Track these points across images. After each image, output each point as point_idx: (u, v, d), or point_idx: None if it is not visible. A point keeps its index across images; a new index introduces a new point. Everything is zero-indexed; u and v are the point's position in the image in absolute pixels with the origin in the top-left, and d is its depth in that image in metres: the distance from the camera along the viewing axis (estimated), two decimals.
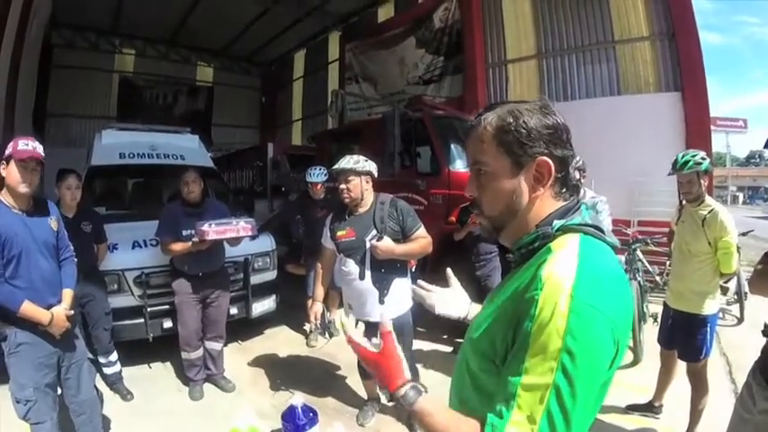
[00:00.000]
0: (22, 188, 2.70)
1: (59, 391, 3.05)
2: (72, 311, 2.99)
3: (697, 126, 8.28)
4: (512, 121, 1.09)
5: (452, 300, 1.68)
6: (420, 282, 1.75)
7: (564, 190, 1.12)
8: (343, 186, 3.50)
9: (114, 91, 18.56)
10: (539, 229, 1.09)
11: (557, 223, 1.06)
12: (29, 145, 2.71)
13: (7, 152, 2.69)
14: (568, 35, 10.27)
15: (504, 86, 11.31)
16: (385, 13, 15.07)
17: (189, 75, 20.71)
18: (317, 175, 5.75)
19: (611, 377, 1.03)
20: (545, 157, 1.07)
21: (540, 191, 1.10)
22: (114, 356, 4.41)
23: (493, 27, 11.47)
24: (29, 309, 2.69)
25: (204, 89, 20.97)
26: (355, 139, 7.64)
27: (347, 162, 3.51)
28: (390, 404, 4.11)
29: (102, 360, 4.25)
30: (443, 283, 1.74)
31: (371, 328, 3.63)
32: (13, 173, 2.67)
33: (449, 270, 1.74)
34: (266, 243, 5.87)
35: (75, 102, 17.26)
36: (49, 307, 2.81)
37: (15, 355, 2.73)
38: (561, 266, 0.97)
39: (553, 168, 1.07)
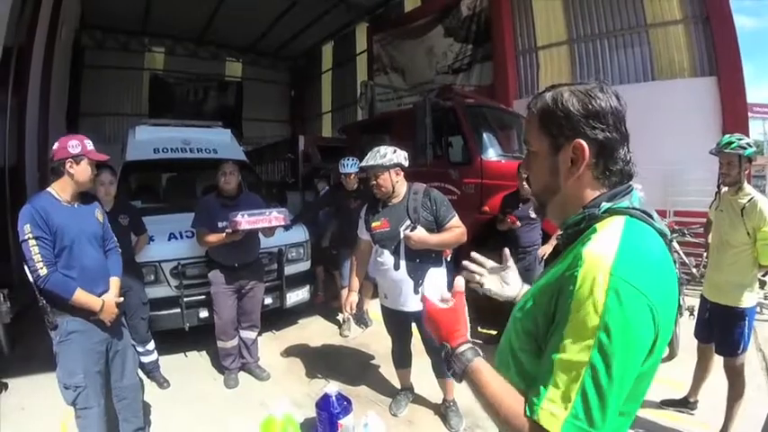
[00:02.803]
0: (89, 184, 2.97)
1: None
2: (121, 299, 3.09)
3: (734, 112, 8.05)
4: (553, 103, 1.12)
5: (508, 279, 1.63)
6: (474, 254, 1.68)
7: (606, 174, 1.11)
8: (374, 182, 3.51)
9: (145, 89, 18.85)
10: (586, 210, 1.10)
11: (604, 205, 1.08)
12: (91, 145, 2.93)
13: (77, 151, 2.84)
14: (599, 19, 10.06)
15: (536, 73, 11.14)
16: (412, 2, 14.94)
17: (218, 71, 20.91)
18: (350, 166, 5.68)
19: (654, 368, 1.03)
20: (581, 140, 1.08)
21: (576, 173, 1.11)
22: (152, 345, 4.50)
23: (522, 13, 11.32)
24: (81, 296, 2.78)
25: (233, 84, 21.14)
26: (386, 130, 7.64)
27: (374, 157, 3.49)
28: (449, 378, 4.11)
29: (139, 349, 4.32)
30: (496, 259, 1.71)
31: (407, 318, 3.64)
32: (85, 171, 2.88)
33: (506, 250, 1.68)
34: (300, 234, 5.90)
35: (108, 100, 17.63)
36: (98, 295, 2.91)
37: (66, 343, 2.81)
38: (602, 245, 0.98)
39: (587, 152, 1.08)
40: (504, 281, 1.62)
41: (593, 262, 0.94)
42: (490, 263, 1.66)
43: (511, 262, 1.65)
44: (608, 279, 0.91)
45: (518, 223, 4.72)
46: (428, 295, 1.28)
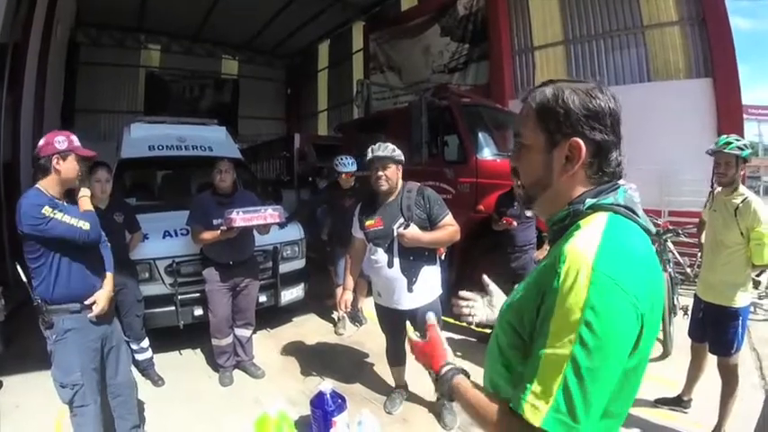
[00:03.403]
0: (76, 182, 2.89)
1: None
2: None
3: (728, 113, 8.05)
4: (552, 99, 1.10)
5: (494, 302, 1.71)
6: (462, 293, 1.78)
7: (599, 175, 1.12)
8: (381, 173, 3.48)
9: (141, 86, 18.77)
10: (570, 206, 1.11)
11: (588, 201, 1.08)
12: (78, 141, 2.87)
13: (64, 147, 2.78)
14: (596, 20, 10.06)
15: (532, 73, 11.14)
16: (408, 1, 14.93)
17: (214, 68, 20.83)
18: (348, 165, 5.68)
19: (642, 365, 1.04)
20: (578, 139, 1.07)
21: (570, 171, 1.11)
22: (146, 343, 4.49)
23: (518, 13, 11.33)
24: (84, 202, 2.89)
25: (230, 82, 21.10)
26: (382, 129, 7.62)
27: (384, 150, 3.50)
28: (435, 395, 4.12)
29: (134, 347, 4.30)
30: (478, 286, 1.80)
31: (401, 316, 3.64)
32: (74, 168, 2.83)
33: (485, 277, 1.76)
34: (295, 232, 5.91)
35: (103, 97, 17.51)
36: (92, 289, 2.91)
37: (62, 342, 2.79)
38: (585, 241, 0.98)
39: (584, 151, 1.08)
40: (491, 305, 1.70)
41: (575, 258, 0.95)
42: (477, 296, 1.74)
43: (492, 286, 1.74)
44: (590, 274, 0.91)
45: (515, 224, 4.72)
46: (410, 335, 1.46)
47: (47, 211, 2.62)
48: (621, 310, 0.91)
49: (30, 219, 2.61)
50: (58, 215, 2.64)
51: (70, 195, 2.97)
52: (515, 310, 1.12)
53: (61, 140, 2.79)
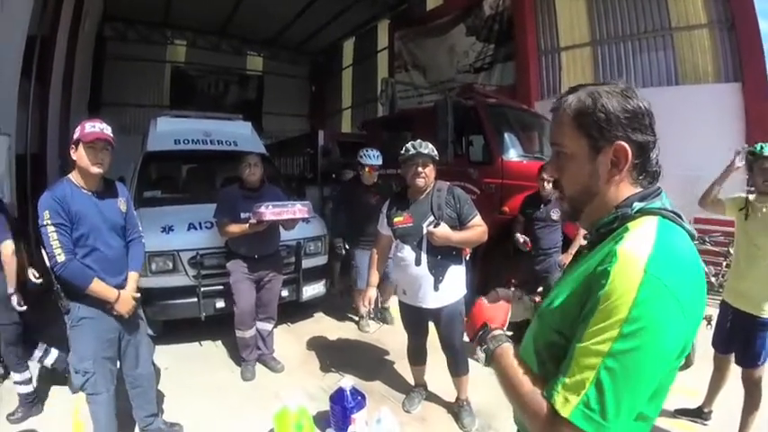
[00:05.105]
0: (94, 169, 2.79)
1: (118, 364, 3.13)
2: (137, 294, 3.08)
3: (758, 118, 7.88)
4: (590, 104, 1.09)
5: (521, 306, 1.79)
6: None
7: (643, 176, 1.11)
8: (421, 170, 3.46)
9: (167, 81, 19.08)
10: (618, 210, 1.09)
11: (636, 205, 1.07)
12: (95, 126, 2.79)
13: (75, 136, 2.77)
14: (623, 21, 9.93)
15: (558, 75, 11.05)
16: (434, 0, 14.93)
17: (239, 65, 21.05)
18: (374, 158, 5.55)
19: (674, 372, 1.02)
20: (623, 142, 1.07)
21: (616, 175, 1.10)
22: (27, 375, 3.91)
23: (545, 13, 11.23)
24: (97, 287, 2.77)
25: (255, 78, 21.28)
26: (407, 127, 7.62)
27: (425, 148, 3.49)
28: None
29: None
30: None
31: (424, 314, 3.62)
32: (83, 155, 2.75)
33: (513, 290, 1.83)
34: (318, 228, 5.93)
35: (129, 91, 17.78)
36: (115, 286, 2.90)
37: (77, 329, 2.83)
38: (637, 243, 0.97)
39: (630, 154, 1.07)
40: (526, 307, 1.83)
41: (627, 259, 0.94)
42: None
43: (517, 292, 1.79)
44: (642, 276, 0.90)
45: (529, 245, 4.69)
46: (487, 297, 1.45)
47: (46, 216, 2.64)
48: (668, 314, 0.90)
49: (38, 216, 2.65)
50: (50, 228, 2.64)
51: (104, 185, 2.97)
52: (561, 312, 1.10)
53: (77, 129, 2.79)
